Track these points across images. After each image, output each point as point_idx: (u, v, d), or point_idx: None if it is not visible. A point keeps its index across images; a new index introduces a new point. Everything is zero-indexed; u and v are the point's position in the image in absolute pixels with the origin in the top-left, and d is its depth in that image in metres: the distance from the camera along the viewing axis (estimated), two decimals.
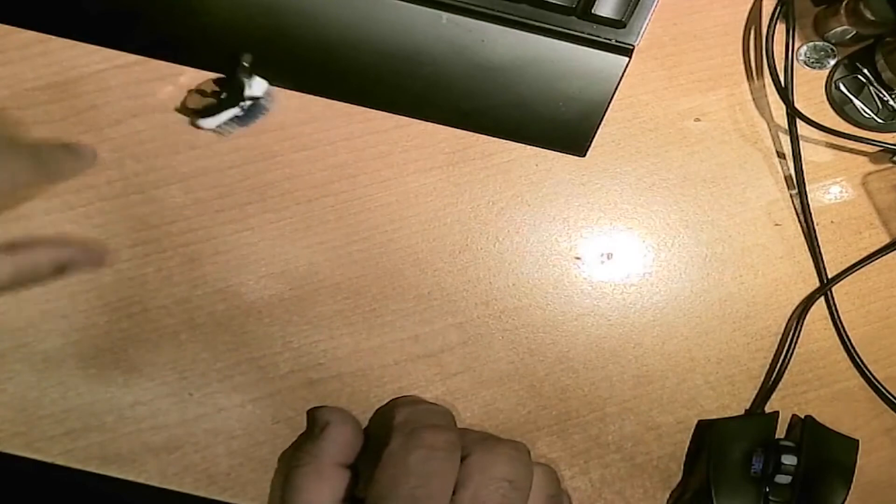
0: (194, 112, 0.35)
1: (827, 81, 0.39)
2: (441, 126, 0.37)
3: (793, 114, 0.37)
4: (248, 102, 0.34)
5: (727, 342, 0.38)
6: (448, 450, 0.31)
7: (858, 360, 0.38)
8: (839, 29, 0.38)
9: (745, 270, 0.39)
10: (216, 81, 0.35)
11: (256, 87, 0.34)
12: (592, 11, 0.34)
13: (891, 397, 0.38)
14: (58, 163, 0.33)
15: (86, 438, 0.34)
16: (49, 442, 0.34)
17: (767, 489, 0.35)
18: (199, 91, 0.35)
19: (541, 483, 0.32)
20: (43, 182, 0.34)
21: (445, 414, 0.34)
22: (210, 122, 0.34)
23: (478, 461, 0.31)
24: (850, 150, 0.39)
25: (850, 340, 0.38)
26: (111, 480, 0.34)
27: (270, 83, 0.35)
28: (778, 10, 0.37)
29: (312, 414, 0.35)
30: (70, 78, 0.34)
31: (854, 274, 0.38)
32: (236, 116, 0.34)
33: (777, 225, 0.39)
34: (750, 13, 0.39)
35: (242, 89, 0.34)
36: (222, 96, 0.34)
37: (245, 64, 0.34)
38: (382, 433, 0.32)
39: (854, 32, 0.37)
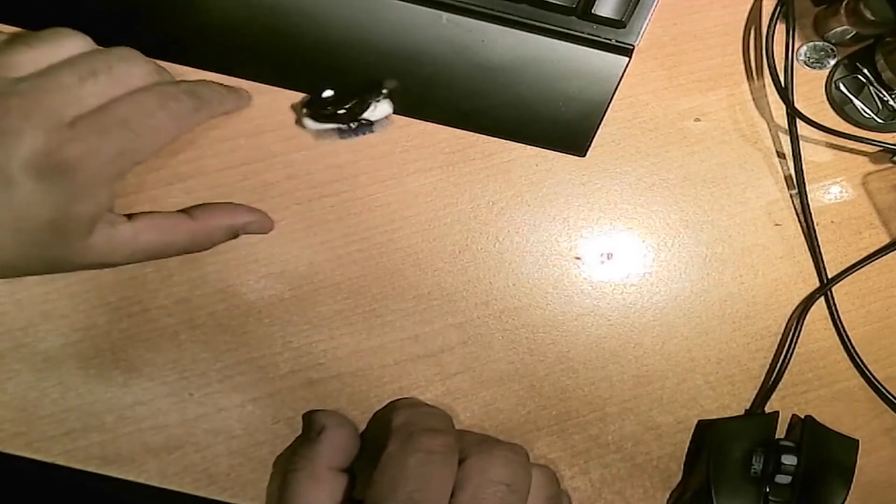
0: (306, 111, 0.34)
1: (827, 81, 0.39)
2: (441, 126, 0.37)
3: (793, 114, 0.37)
4: (362, 122, 0.35)
5: (727, 342, 0.38)
6: (446, 453, 0.31)
7: (858, 360, 0.38)
8: (839, 29, 0.38)
9: (745, 270, 0.39)
10: (342, 93, 0.34)
11: (380, 111, 0.34)
12: (592, 11, 0.34)
13: (891, 397, 0.38)
14: (219, 100, 0.33)
15: (86, 438, 0.34)
16: (49, 442, 0.34)
17: (767, 489, 0.35)
18: (321, 98, 0.34)
19: (539, 484, 0.32)
20: (205, 120, 0.33)
21: (443, 417, 0.34)
22: (314, 126, 0.34)
23: (475, 464, 0.31)
24: (850, 150, 0.39)
25: (850, 340, 0.38)
26: (111, 480, 0.34)
27: (251, 80, 0.35)
28: (778, 10, 0.37)
29: (309, 417, 0.35)
30: None
31: (854, 274, 0.38)
32: (341, 129, 0.35)
33: (777, 225, 0.39)
34: (750, 13, 0.39)
35: (364, 110, 0.34)
36: (340, 110, 0.34)
37: (385, 91, 0.34)
38: (380, 436, 0.32)
39: (854, 32, 0.37)
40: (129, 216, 0.32)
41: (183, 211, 0.34)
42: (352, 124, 0.35)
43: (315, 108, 0.34)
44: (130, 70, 0.31)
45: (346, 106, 0.34)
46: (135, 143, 0.29)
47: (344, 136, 0.35)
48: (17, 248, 0.28)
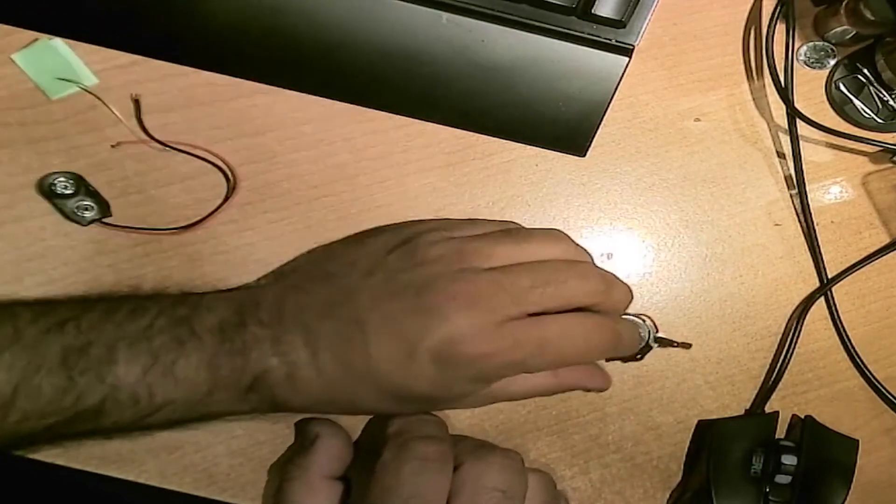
0: None
1: (827, 81, 0.39)
2: (441, 126, 0.37)
3: (793, 114, 0.37)
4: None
5: (727, 342, 0.38)
6: (441, 460, 0.31)
7: (858, 360, 0.38)
8: (839, 29, 0.38)
9: (745, 270, 0.39)
10: None
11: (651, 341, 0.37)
12: (592, 11, 0.34)
13: (891, 397, 0.38)
14: (631, 345, 0.35)
15: None
16: None
17: (767, 489, 0.35)
18: None
19: (535, 490, 0.32)
20: (603, 358, 0.35)
21: (438, 424, 0.34)
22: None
23: (470, 471, 0.31)
24: (850, 150, 0.39)
25: (850, 340, 0.38)
26: (111, 480, 0.34)
27: (264, 82, 0.35)
28: (778, 10, 0.37)
29: (302, 426, 0.35)
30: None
31: (854, 274, 0.38)
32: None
33: (777, 225, 0.39)
34: (750, 13, 0.39)
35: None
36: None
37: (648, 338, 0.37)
38: (375, 443, 0.32)
39: (854, 32, 0.37)
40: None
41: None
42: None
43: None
44: (580, 286, 0.31)
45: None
46: (535, 361, 0.30)
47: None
48: (388, 405, 0.31)
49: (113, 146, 0.34)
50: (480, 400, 0.33)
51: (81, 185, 0.33)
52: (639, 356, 0.37)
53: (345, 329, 0.30)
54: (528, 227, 0.37)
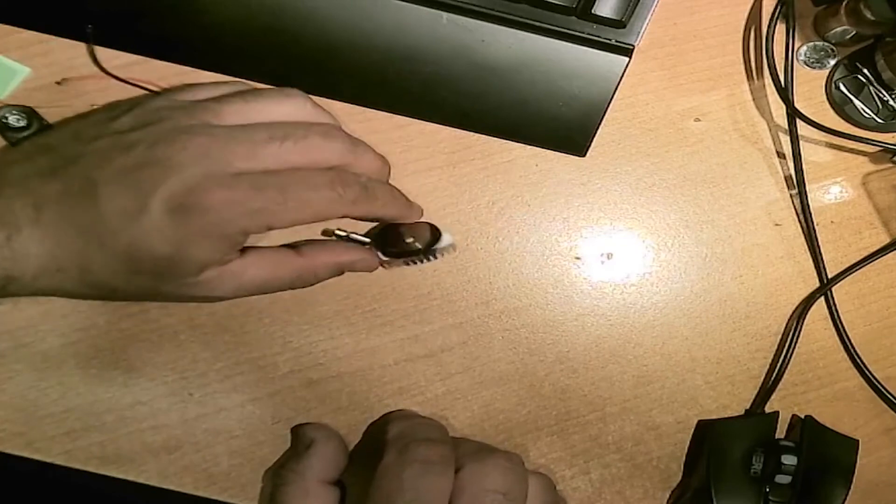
0: (380, 247, 0.35)
1: (827, 81, 0.39)
2: (441, 126, 0.37)
3: (793, 114, 0.37)
4: (432, 255, 0.35)
5: (727, 342, 0.38)
6: (442, 463, 0.31)
7: (858, 360, 0.38)
8: (839, 29, 0.38)
9: (745, 270, 0.39)
10: (406, 227, 0.34)
11: (445, 241, 0.35)
12: (592, 11, 0.34)
13: (891, 397, 0.38)
14: (387, 202, 0.33)
15: (86, 438, 0.34)
16: (49, 442, 0.34)
17: (767, 489, 0.35)
18: (399, 233, 0.34)
19: (536, 492, 0.32)
20: (361, 214, 0.32)
21: (438, 427, 0.34)
22: (394, 263, 0.35)
23: (471, 473, 0.31)
24: (850, 150, 0.39)
25: (850, 340, 0.38)
26: (111, 480, 0.34)
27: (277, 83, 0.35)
28: (778, 10, 0.37)
29: (296, 431, 0.35)
30: (70, 78, 0.34)
31: (854, 274, 0.38)
32: (414, 262, 0.35)
33: (777, 225, 0.39)
34: (750, 13, 0.39)
35: (435, 247, 0.34)
36: (416, 245, 0.34)
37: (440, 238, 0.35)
38: (375, 448, 0.32)
39: (854, 32, 0.38)
40: (241, 250, 0.31)
41: (290, 246, 0.34)
42: (428, 256, 0.35)
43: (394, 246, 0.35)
44: (323, 144, 0.30)
45: (419, 241, 0.34)
46: (279, 207, 0.29)
47: (413, 264, 0.36)
48: (123, 274, 0.29)
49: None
50: (223, 284, 0.30)
51: (34, 119, 0.32)
52: (423, 258, 0.35)
53: (73, 186, 0.28)
54: (522, 223, 0.37)
